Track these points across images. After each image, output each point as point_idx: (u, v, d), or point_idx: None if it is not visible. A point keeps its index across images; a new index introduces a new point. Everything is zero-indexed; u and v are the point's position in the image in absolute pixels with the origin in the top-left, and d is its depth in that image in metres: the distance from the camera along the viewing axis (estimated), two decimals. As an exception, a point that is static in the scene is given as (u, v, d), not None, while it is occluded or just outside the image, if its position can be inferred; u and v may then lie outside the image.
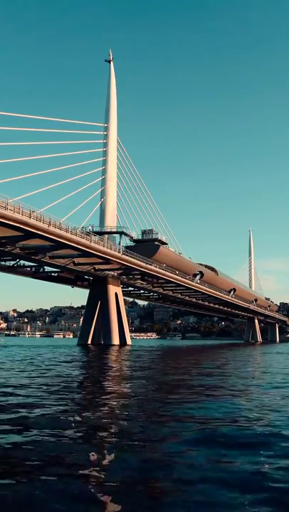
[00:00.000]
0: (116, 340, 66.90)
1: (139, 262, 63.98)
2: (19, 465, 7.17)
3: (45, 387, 16.51)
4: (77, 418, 10.84)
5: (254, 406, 12.74)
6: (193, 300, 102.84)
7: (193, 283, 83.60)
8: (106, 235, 64.28)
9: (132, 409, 12.22)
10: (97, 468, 7.07)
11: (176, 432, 9.35)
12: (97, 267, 64.39)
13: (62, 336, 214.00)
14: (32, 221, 45.91)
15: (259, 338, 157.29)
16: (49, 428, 9.49)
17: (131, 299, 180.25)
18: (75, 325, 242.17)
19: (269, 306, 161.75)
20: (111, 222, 68.60)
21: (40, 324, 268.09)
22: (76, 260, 60.49)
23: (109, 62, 74.19)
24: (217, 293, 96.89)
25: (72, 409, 12.27)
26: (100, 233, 63.27)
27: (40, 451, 7.89)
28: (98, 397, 14.73)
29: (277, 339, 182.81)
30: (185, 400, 13.79)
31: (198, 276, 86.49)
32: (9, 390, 15.89)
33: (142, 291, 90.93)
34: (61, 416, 11.06)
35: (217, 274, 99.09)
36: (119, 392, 15.91)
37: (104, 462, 7.53)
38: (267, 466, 7.08)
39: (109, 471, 7.02)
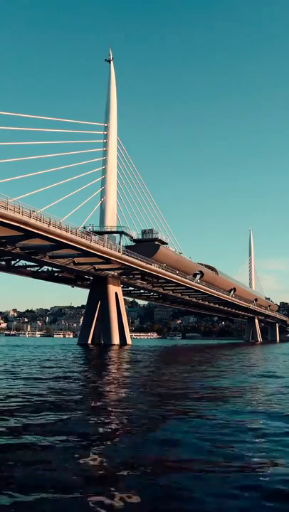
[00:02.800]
0: (116, 340, 66.82)
1: (139, 262, 63.89)
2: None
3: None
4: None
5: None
6: (194, 300, 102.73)
7: (193, 283, 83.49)
8: (106, 235, 64.16)
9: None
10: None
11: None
12: (97, 266, 64.32)
13: (62, 336, 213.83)
14: (32, 221, 45.84)
15: (259, 338, 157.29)
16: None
17: (131, 299, 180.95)
18: (75, 325, 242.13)
19: (269, 305, 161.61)
20: (111, 222, 68.52)
21: (40, 324, 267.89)
22: (76, 260, 60.42)
23: (109, 61, 74.09)
24: (217, 293, 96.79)
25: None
26: (100, 233, 63.14)
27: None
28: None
29: (278, 339, 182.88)
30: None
31: (198, 276, 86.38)
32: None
33: (142, 291, 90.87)
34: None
35: (217, 274, 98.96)
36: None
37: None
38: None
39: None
